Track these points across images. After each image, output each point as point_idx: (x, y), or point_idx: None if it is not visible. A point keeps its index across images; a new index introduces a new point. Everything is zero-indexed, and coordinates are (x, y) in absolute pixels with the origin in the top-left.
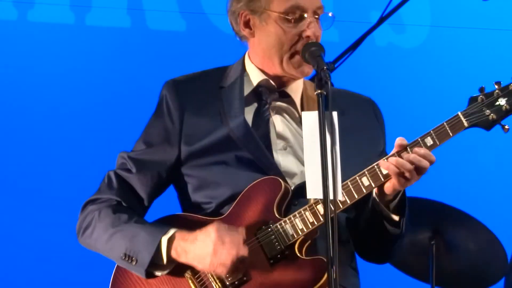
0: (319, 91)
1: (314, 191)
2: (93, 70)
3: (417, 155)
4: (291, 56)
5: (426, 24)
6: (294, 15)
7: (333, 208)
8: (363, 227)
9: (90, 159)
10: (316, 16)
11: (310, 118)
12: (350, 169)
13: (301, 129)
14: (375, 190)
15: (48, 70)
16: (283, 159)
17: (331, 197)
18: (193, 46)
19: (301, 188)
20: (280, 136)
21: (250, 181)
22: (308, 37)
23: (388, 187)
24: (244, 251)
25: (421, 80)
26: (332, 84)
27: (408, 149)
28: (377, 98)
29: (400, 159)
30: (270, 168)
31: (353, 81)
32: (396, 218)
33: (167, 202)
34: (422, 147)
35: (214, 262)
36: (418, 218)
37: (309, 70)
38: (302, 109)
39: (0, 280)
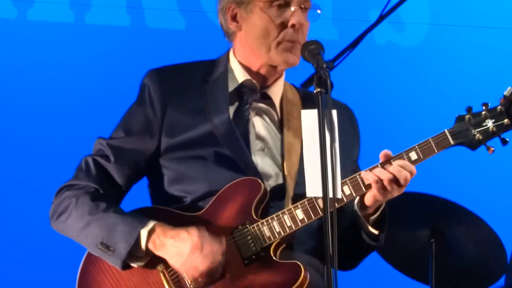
0: (318, 89)
1: (313, 189)
2: (92, 68)
3: (397, 165)
4: (278, 44)
5: (425, 22)
6: (276, 3)
7: (332, 204)
8: (338, 236)
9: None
10: (302, 7)
11: (310, 116)
12: None
13: (280, 133)
14: (357, 202)
15: (47, 69)
16: (261, 160)
17: (330, 195)
18: (193, 45)
19: (277, 190)
20: (259, 137)
21: (227, 179)
22: (293, 25)
23: (368, 198)
24: (218, 263)
25: (420, 78)
26: (331, 83)
27: (392, 161)
28: (376, 96)
29: (380, 169)
30: (248, 168)
31: (353, 79)
32: (375, 232)
33: (135, 193)
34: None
35: (187, 264)
36: (417, 215)
37: (294, 59)
38: (281, 112)
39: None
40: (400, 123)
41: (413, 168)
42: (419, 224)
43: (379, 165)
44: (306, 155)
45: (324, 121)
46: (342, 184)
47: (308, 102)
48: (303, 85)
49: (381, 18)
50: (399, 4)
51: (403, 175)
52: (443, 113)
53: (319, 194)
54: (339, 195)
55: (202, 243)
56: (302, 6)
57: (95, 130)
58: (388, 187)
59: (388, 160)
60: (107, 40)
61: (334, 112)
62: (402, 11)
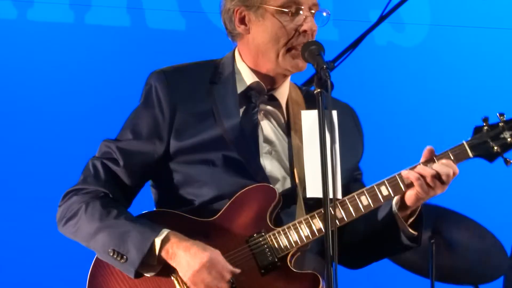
0: (318, 90)
1: (313, 190)
2: (92, 69)
3: (440, 163)
4: (288, 50)
5: (425, 23)
6: (291, 9)
7: (332, 211)
8: (369, 237)
9: (88, 158)
10: (312, 11)
11: (310, 117)
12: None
13: (286, 135)
14: (395, 203)
15: (47, 69)
16: (268, 163)
17: (330, 196)
18: (193, 45)
19: (286, 194)
20: (266, 140)
21: (235, 183)
22: (305, 31)
23: (410, 197)
24: (227, 285)
25: (420, 78)
26: (332, 83)
27: (435, 159)
28: (376, 97)
29: (422, 166)
30: (257, 172)
31: (353, 80)
32: (414, 233)
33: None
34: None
35: (194, 280)
36: None
37: (303, 65)
38: (287, 113)
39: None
40: (400, 124)
41: (455, 167)
42: None
43: (421, 163)
44: (307, 156)
45: (324, 122)
46: (380, 185)
47: (310, 101)
48: (303, 85)
49: (381, 18)
50: (399, 4)
51: (445, 171)
52: (443, 113)
53: (319, 194)
54: (339, 195)
55: (213, 263)
56: (312, 11)
57: (95, 130)
58: (431, 184)
59: (431, 158)
60: (107, 41)
61: (334, 113)
62: (403, 11)
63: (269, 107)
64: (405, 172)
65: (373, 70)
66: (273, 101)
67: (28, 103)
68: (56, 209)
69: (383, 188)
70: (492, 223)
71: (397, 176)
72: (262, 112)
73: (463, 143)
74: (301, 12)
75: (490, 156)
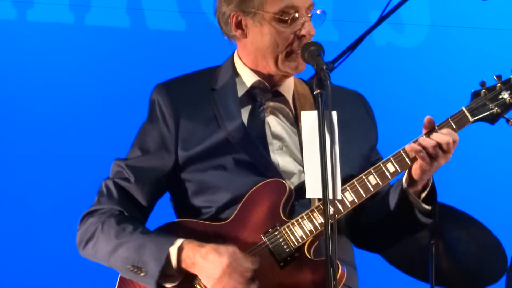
0: (318, 90)
1: (313, 191)
2: (92, 70)
3: (439, 132)
4: (286, 55)
5: (425, 23)
6: (289, 15)
7: (332, 210)
8: (384, 218)
9: (89, 159)
10: (309, 15)
11: (309, 118)
12: (347, 164)
13: (296, 128)
14: (405, 179)
15: (47, 70)
16: (281, 159)
17: (330, 196)
18: (193, 46)
19: (300, 189)
20: (276, 136)
21: (249, 184)
22: (303, 36)
23: (416, 170)
24: (250, 284)
25: (420, 79)
26: (331, 84)
27: (436, 129)
28: (376, 97)
29: (423, 137)
30: (269, 169)
31: (353, 80)
32: (428, 208)
33: (160, 207)
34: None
35: (219, 286)
36: None
37: (303, 67)
38: (295, 107)
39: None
40: (400, 124)
41: (455, 135)
42: None
43: (423, 135)
44: (306, 156)
45: (324, 123)
46: (386, 162)
47: None
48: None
49: (381, 19)
50: (399, 5)
51: (445, 140)
52: (443, 114)
53: (319, 195)
54: (339, 196)
55: (233, 265)
56: (308, 12)
57: (95, 131)
58: (433, 154)
59: (432, 129)
60: (107, 41)
61: (334, 114)
62: (402, 12)
63: (275, 104)
64: (408, 146)
65: (372, 71)
66: (279, 96)
67: (28, 104)
68: (60, 209)
69: (389, 165)
70: (493, 223)
71: (401, 151)
72: (269, 109)
73: (462, 109)
74: (298, 15)
75: (491, 118)
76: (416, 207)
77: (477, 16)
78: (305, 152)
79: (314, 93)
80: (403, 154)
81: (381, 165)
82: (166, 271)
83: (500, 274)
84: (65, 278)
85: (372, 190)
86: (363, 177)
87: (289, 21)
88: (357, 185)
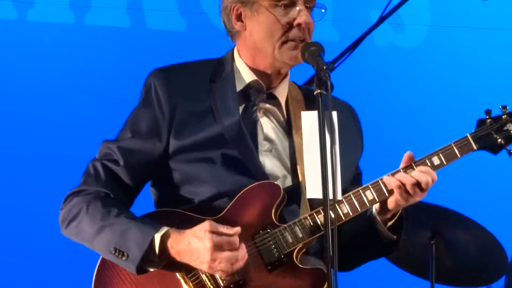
0: (318, 90)
1: (313, 191)
2: (92, 69)
3: (419, 170)
4: (282, 43)
5: (425, 23)
6: (281, 3)
7: (333, 215)
8: (348, 240)
9: (89, 159)
10: (308, 5)
11: (310, 118)
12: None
13: (286, 133)
14: (375, 207)
15: (47, 70)
16: (268, 162)
17: (330, 196)
18: (193, 46)
19: (290, 192)
20: (266, 138)
21: (234, 181)
22: (299, 24)
23: (391, 203)
24: (242, 256)
25: (420, 79)
26: (331, 84)
27: (414, 166)
28: (376, 98)
29: (403, 174)
30: (256, 170)
31: (353, 81)
32: (393, 236)
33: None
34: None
35: (213, 267)
36: (417, 219)
37: (299, 58)
38: (287, 111)
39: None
40: (400, 124)
41: (434, 174)
42: (419, 226)
43: (401, 170)
44: (306, 157)
45: (324, 123)
46: (364, 189)
47: (310, 100)
48: (303, 85)
49: (381, 19)
50: (399, 5)
51: (424, 179)
52: (443, 114)
53: (319, 195)
54: (339, 196)
55: (218, 243)
56: (308, 5)
57: (95, 131)
58: (411, 191)
59: (410, 165)
60: (107, 41)
61: (335, 114)
62: (402, 12)
63: (268, 106)
64: (386, 178)
65: (373, 71)
66: (273, 99)
67: (28, 104)
68: (56, 211)
69: (368, 193)
70: (493, 223)
71: (379, 181)
72: (262, 110)
73: (467, 136)
74: (295, 6)
75: (494, 148)
76: (381, 234)
77: (477, 16)
78: (305, 152)
79: (315, 93)
80: (381, 184)
81: (360, 191)
82: (149, 256)
83: (499, 274)
84: (70, 280)
85: (351, 214)
86: (343, 199)
87: (284, 6)
88: (353, 198)
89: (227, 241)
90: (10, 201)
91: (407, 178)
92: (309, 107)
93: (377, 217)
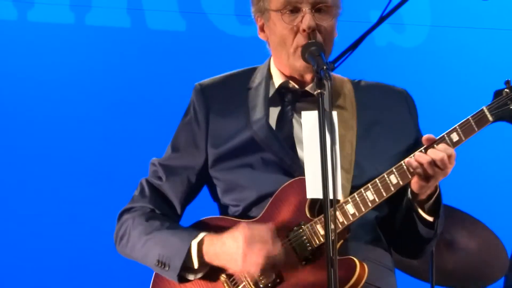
0: (318, 90)
1: (314, 191)
2: (93, 70)
3: (435, 148)
4: (294, 51)
5: (426, 23)
6: (286, 10)
7: (333, 213)
8: (397, 226)
9: (88, 159)
10: (316, 8)
11: (310, 118)
12: (380, 164)
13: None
14: (410, 190)
15: (48, 70)
16: None
17: (330, 197)
18: (193, 46)
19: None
20: None
21: (275, 183)
22: (304, 30)
23: (414, 184)
24: (274, 249)
25: (421, 79)
26: (331, 84)
27: (435, 145)
28: None
29: (419, 153)
30: (295, 168)
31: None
32: (429, 219)
33: (205, 204)
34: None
35: (246, 264)
36: None
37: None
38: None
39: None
40: None
41: (451, 150)
42: None
43: (422, 150)
44: (307, 157)
45: (324, 123)
46: (389, 173)
47: (360, 91)
48: None
49: (381, 19)
50: (399, 5)
51: (439, 156)
52: (443, 114)
53: (319, 195)
54: (339, 196)
55: (250, 239)
56: (315, 8)
57: (95, 131)
58: (429, 171)
59: (431, 144)
60: (108, 42)
61: (335, 114)
62: (403, 12)
63: (304, 104)
64: (407, 160)
65: (373, 71)
66: (309, 96)
67: (28, 104)
68: (56, 210)
69: (392, 177)
70: (493, 223)
71: (402, 163)
72: (298, 109)
73: (482, 109)
74: (300, 11)
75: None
76: (417, 217)
77: (477, 16)
78: (306, 152)
79: (315, 93)
80: (405, 166)
81: (385, 175)
82: (189, 264)
83: (500, 274)
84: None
85: (371, 205)
86: (362, 191)
87: (287, 15)
88: (357, 198)
89: (259, 235)
90: (10, 201)
91: (423, 157)
92: (360, 99)
93: (411, 199)
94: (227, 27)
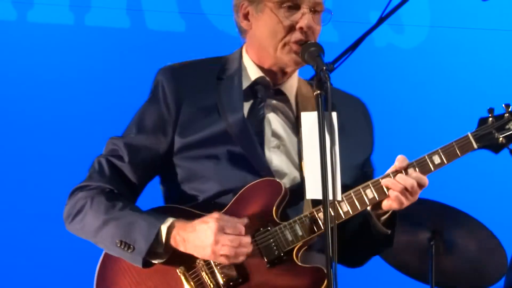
0: (318, 91)
1: (313, 192)
2: (92, 70)
3: (406, 175)
4: (284, 45)
5: (425, 24)
6: (286, 4)
7: (332, 213)
8: (349, 236)
9: (88, 159)
10: (314, 10)
11: (309, 119)
12: (342, 173)
13: (295, 130)
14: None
15: (47, 71)
16: (276, 158)
17: (330, 197)
18: (193, 47)
19: (294, 190)
20: (274, 135)
21: (239, 178)
22: (301, 28)
23: (385, 205)
24: (247, 243)
25: (420, 80)
26: (331, 85)
27: (407, 170)
28: (376, 98)
29: (403, 176)
30: (261, 166)
31: (352, 81)
32: (387, 231)
33: (148, 191)
34: (429, 166)
35: (216, 251)
36: (417, 218)
37: (301, 61)
38: (297, 108)
39: None
40: (400, 125)
41: (423, 179)
42: (419, 227)
43: (391, 174)
44: (306, 158)
45: (324, 124)
46: (365, 187)
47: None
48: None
49: (381, 20)
50: (399, 6)
51: (409, 183)
52: (443, 115)
53: (319, 196)
54: (339, 197)
55: (222, 226)
56: (313, 9)
57: (95, 131)
58: (410, 196)
59: (404, 168)
60: (107, 42)
61: (334, 115)
62: (402, 13)
63: (276, 102)
64: (387, 179)
65: (372, 72)
66: (281, 95)
67: (28, 104)
68: (56, 210)
69: (368, 192)
70: (493, 223)
71: (380, 180)
72: (270, 106)
73: (467, 135)
74: (299, 9)
75: (495, 147)
76: (375, 229)
77: (477, 17)
78: (305, 153)
79: (314, 94)
80: (382, 183)
81: (361, 189)
82: (155, 248)
83: (500, 274)
84: (72, 277)
85: (351, 213)
86: (344, 198)
87: (287, 8)
88: (353, 197)
89: (233, 226)
90: (10, 202)
91: (407, 180)
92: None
93: (371, 211)
94: (227, 27)
